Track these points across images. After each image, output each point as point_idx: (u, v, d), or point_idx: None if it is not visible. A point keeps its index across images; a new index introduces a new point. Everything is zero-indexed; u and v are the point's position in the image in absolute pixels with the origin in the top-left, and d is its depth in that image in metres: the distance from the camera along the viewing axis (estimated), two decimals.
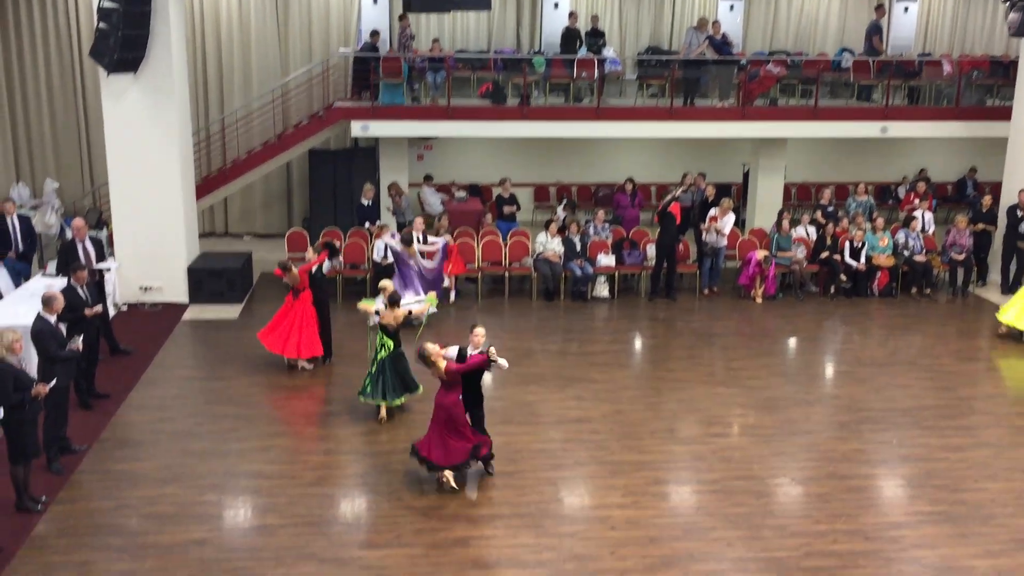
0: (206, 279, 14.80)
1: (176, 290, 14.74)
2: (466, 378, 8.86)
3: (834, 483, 9.27)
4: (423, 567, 7.65)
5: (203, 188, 16.67)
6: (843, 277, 15.82)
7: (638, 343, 13.85)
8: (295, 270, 11.83)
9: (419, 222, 14.70)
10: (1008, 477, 9.41)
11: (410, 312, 10.48)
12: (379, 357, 10.32)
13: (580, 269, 15.43)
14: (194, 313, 14.37)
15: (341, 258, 15.25)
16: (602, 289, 15.80)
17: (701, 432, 10.44)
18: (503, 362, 8.88)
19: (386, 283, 10.84)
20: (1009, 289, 15.97)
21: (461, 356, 8.97)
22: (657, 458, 9.81)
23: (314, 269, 12.03)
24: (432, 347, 8.83)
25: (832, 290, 15.90)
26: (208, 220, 19.10)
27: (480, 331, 9.19)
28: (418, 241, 14.34)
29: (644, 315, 15.02)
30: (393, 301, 10.27)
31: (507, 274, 15.89)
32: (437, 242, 14.51)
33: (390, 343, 10.29)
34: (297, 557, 7.76)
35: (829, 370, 12.79)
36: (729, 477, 9.35)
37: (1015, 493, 9.06)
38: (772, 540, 8.18)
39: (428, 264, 14.29)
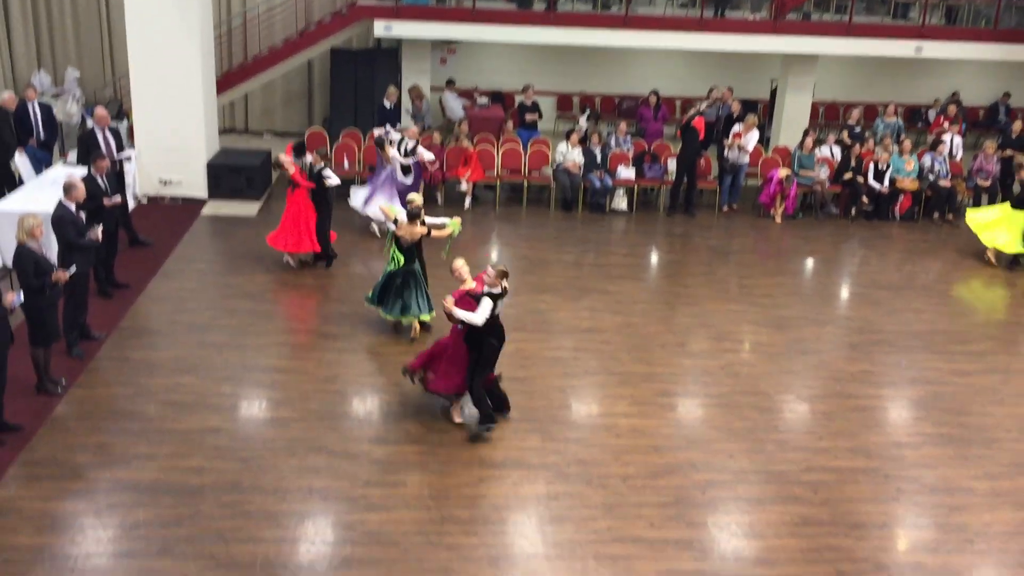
0: (226, 175, 14.80)
1: (196, 185, 14.77)
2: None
3: (840, 402, 9.36)
4: (431, 464, 7.84)
5: (223, 83, 16.54)
6: (865, 199, 15.65)
7: (654, 257, 13.84)
8: (285, 167, 11.85)
9: (412, 131, 13.92)
10: (1014, 403, 9.47)
11: (429, 232, 9.97)
12: (387, 268, 10.23)
13: (599, 181, 15.32)
14: (213, 208, 14.43)
15: (355, 162, 15.23)
16: (621, 202, 15.73)
17: (711, 347, 10.52)
18: (462, 314, 8.01)
19: (414, 196, 10.62)
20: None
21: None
22: (665, 370, 9.91)
23: (314, 171, 11.88)
24: (461, 265, 8.53)
25: (853, 212, 15.77)
26: (228, 116, 19.00)
27: (491, 272, 8.14)
28: (406, 152, 13.44)
29: (661, 229, 14.97)
30: (413, 215, 9.93)
31: (526, 183, 15.81)
32: (422, 154, 13.60)
33: (400, 257, 10.01)
34: (308, 449, 7.96)
35: (844, 292, 12.78)
36: (735, 392, 9.45)
37: (1019, 418, 9.12)
38: (774, 454, 8.31)
39: (403, 178, 13.39)
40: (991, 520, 7.45)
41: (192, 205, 14.47)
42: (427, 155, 13.68)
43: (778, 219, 15.52)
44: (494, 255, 13.47)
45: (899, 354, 10.53)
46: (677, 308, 11.64)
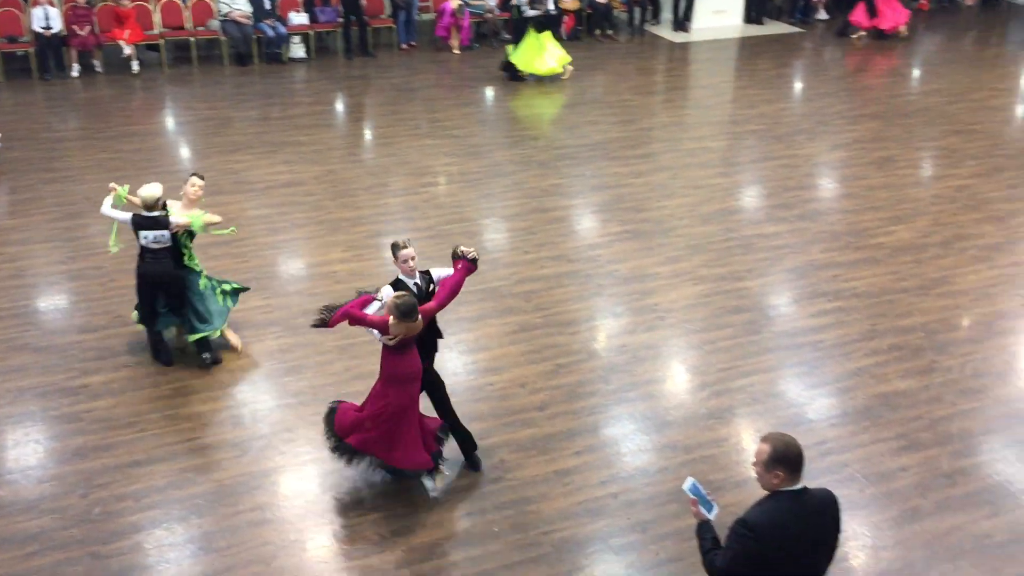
0: None
1: None
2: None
3: (538, 216, 10.02)
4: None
5: None
6: None
7: (340, 103, 13.68)
8: None
9: None
10: (683, 194, 10.62)
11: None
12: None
13: (272, 29, 14.69)
14: None
15: None
16: (297, 49, 15.23)
17: (412, 183, 10.76)
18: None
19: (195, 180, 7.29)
20: (678, 26, 17.22)
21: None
22: (372, 212, 10.05)
23: None
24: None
25: None
26: None
27: (408, 252, 5.81)
28: None
29: (343, 74, 14.76)
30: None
31: (193, 39, 14.81)
32: None
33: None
34: (8, 349, 7.37)
35: (527, 112, 13.41)
36: (443, 222, 9.82)
37: (688, 207, 10.28)
38: (487, 273, 8.79)
39: None
40: (676, 297, 8.47)
41: None
42: None
43: (456, 51, 15.78)
44: (170, 122, 12.69)
45: (582, 165, 11.36)
46: (372, 150, 11.72)
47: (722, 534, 3.88)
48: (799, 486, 3.74)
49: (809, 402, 7.01)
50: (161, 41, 14.58)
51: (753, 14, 18.00)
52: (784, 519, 3.70)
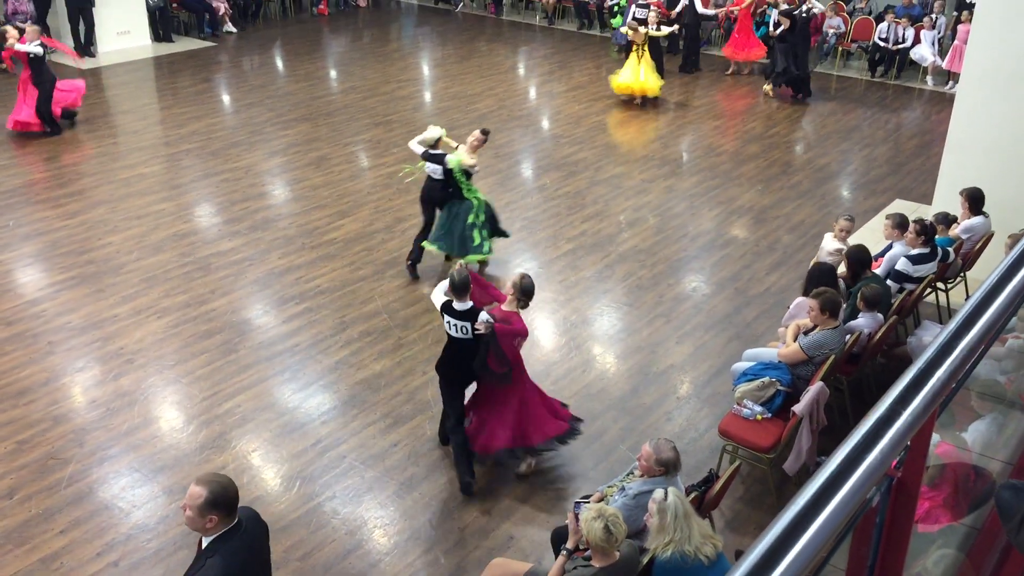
0: None
1: None
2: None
3: None
4: None
5: None
6: None
7: None
8: None
9: None
10: (127, 227, 10.01)
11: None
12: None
13: None
14: None
15: None
16: None
17: None
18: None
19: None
20: None
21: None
22: None
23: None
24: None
25: None
26: None
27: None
28: None
29: None
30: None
31: None
32: None
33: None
34: None
35: None
36: None
37: (136, 239, 9.73)
38: None
39: None
40: (142, 335, 7.99)
41: None
42: None
43: None
44: None
45: (1, 216, 10.15)
46: None
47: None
48: (234, 522, 3.69)
49: (298, 406, 7.11)
50: None
51: (160, 32, 17.49)
52: (235, 561, 3.62)
